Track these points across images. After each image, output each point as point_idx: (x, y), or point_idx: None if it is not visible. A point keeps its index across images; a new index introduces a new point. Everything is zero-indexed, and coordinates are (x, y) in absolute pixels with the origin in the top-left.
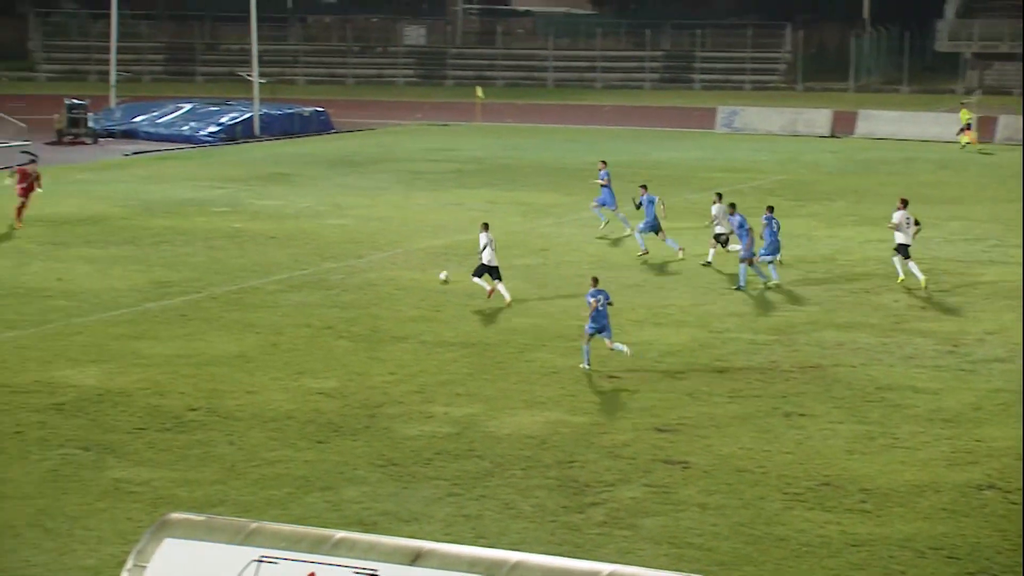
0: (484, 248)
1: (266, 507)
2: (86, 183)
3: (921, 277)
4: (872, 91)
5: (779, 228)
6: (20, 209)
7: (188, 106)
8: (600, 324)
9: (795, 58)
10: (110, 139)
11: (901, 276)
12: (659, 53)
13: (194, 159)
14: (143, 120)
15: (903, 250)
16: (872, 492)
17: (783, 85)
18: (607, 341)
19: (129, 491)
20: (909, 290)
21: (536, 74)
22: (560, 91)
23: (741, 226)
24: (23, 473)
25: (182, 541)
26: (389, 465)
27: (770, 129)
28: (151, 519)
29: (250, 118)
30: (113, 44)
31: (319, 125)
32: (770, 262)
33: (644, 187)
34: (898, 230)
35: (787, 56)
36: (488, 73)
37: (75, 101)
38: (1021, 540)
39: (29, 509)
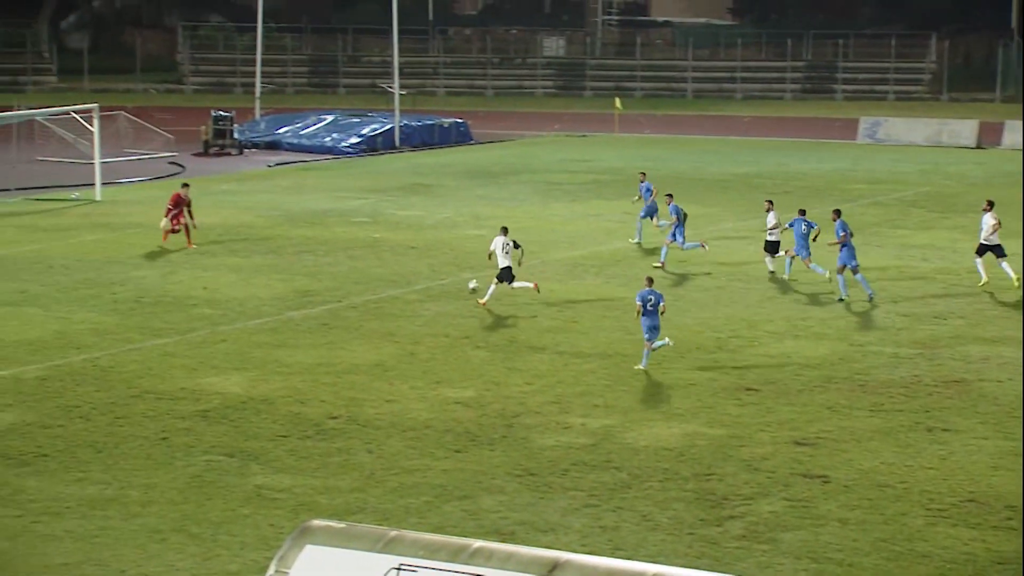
0: (493, 251)
1: (404, 515)
2: (231, 194)
3: (1012, 275)
4: (1020, 102)
5: (809, 231)
6: (180, 231)
7: (330, 118)
8: (653, 323)
9: (940, 68)
10: (254, 150)
11: (985, 278)
12: (800, 63)
13: (335, 170)
14: (286, 131)
15: (997, 250)
16: (1019, 509)
17: (927, 95)
18: (647, 343)
19: (271, 497)
20: None
21: (675, 85)
22: (699, 102)
23: (804, 234)
24: (169, 479)
25: (323, 548)
26: (526, 475)
27: (913, 140)
28: (292, 525)
29: (390, 129)
30: (258, 57)
31: (458, 136)
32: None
33: (670, 196)
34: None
35: (932, 66)
36: (627, 84)
37: (221, 113)
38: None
39: (174, 514)
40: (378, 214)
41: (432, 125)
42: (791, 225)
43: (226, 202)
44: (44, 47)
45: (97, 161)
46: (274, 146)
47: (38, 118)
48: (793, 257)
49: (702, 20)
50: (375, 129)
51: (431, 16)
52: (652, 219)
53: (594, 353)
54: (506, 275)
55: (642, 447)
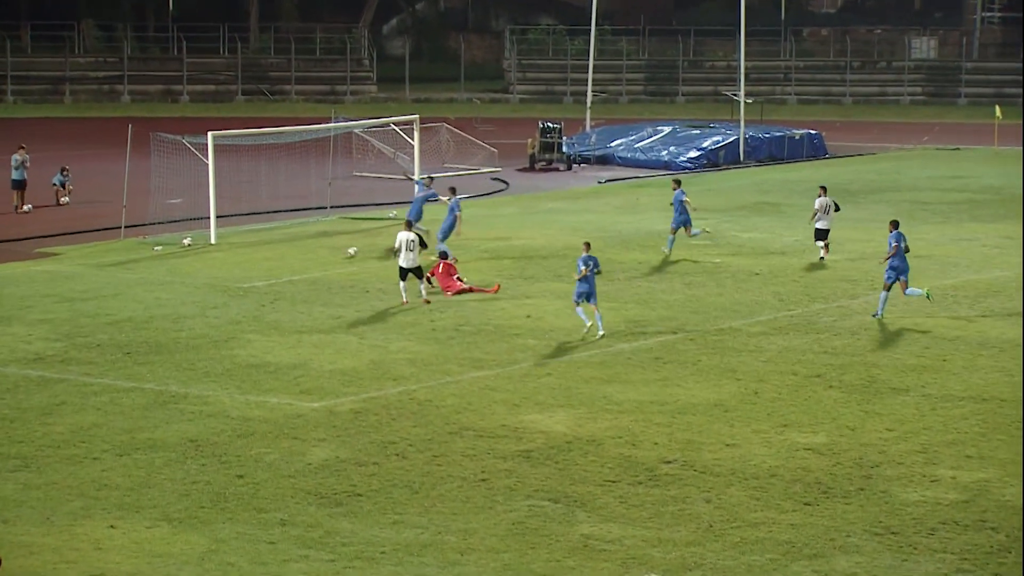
0: (400, 249)
1: (746, 573)
2: (557, 212)
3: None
4: None
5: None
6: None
7: (667, 129)
8: (587, 289)
9: None
10: (584, 165)
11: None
12: None
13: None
14: (619, 145)
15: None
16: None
17: None
18: (593, 306)
19: (599, 548)
20: None
21: None
22: None
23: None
24: (489, 524)
25: None
26: (887, 534)
27: None
28: None
29: (735, 142)
30: (591, 62)
31: (811, 149)
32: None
33: (677, 181)
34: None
35: None
36: (1009, 90)
37: (549, 124)
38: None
39: (495, 563)
40: (719, 236)
41: (781, 137)
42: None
43: (552, 222)
44: (364, 54)
45: (417, 176)
46: (605, 161)
47: (356, 131)
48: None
49: None
50: (717, 142)
51: (783, 15)
52: (686, 229)
53: (966, 396)
54: (412, 273)
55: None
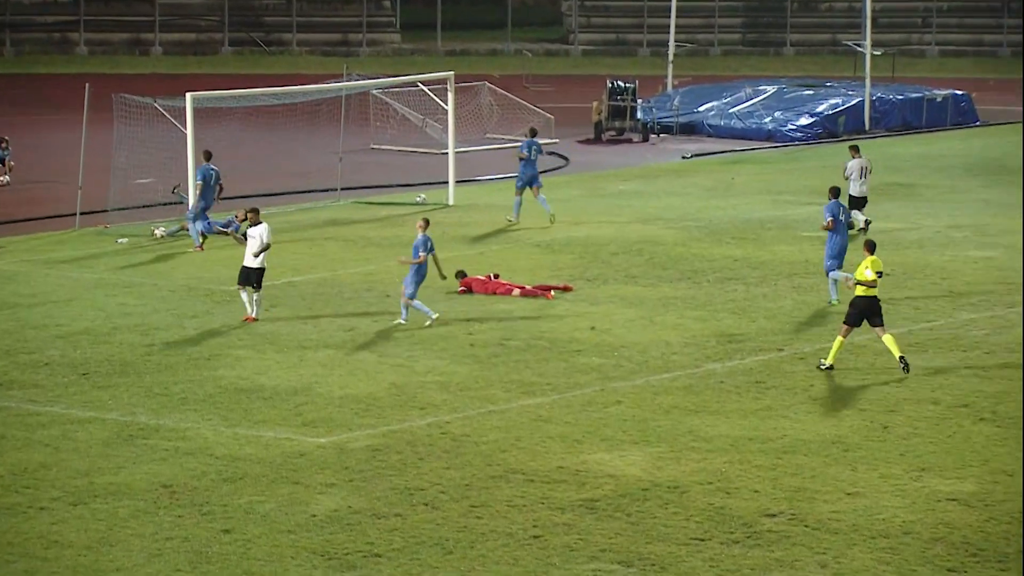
0: (253, 243)
1: None
2: (630, 196)
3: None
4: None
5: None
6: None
7: (771, 89)
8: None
9: None
10: (664, 136)
11: None
12: None
13: (777, 163)
14: (709, 109)
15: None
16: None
17: None
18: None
19: None
20: None
21: None
22: None
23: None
24: None
25: None
26: None
27: None
28: None
29: (858, 106)
30: (673, 5)
31: (957, 115)
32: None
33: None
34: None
35: None
36: None
37: (620, 84)
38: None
39: None
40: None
41: (919, 99)
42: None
43: (624, 208)
44: None
45: (451, 151)
46: (691, 129)
47: (374, 92)
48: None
49: None
50: (835, 106)
51: None
52: (532, 188)
53: None
54: (253, 277)
55: None
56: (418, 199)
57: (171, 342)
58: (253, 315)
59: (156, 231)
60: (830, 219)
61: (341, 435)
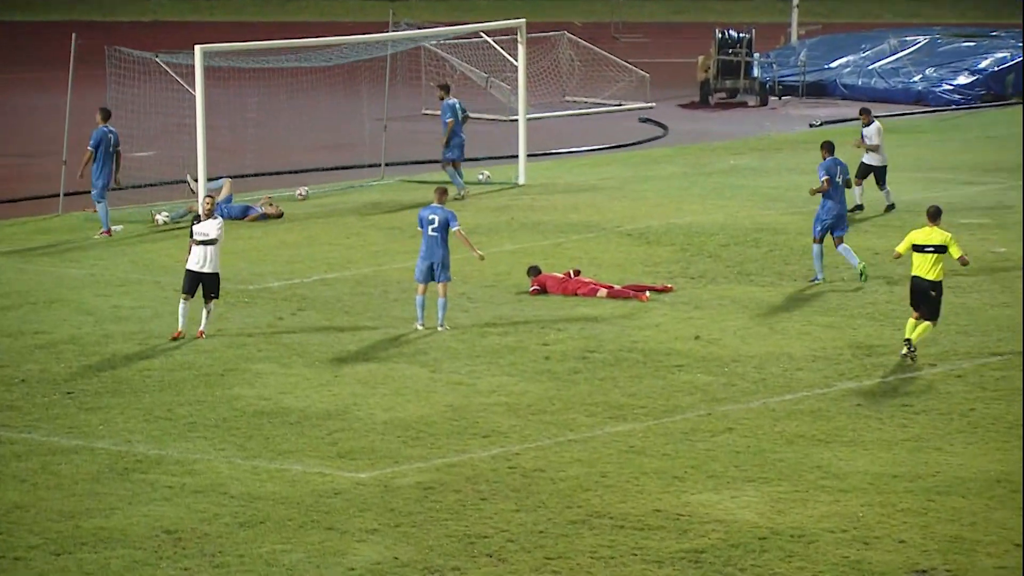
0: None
1: None
2: (744, 173)
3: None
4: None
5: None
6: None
7: (922, 40)
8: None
9: None
10: (787, 98)
11: None
12: None
13: (928, 133)
14: (843, 65)
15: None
16: None
17: None
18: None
19: None
20: None
21: None
22: None
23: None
24: None
25: None
26: None
27: None
28: None
29: None
30: None
31: None
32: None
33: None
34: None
35: None
36: None
37: (732, 34)
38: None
39: None
40: (1002, 209)
41: None
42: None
43: (736, 189)
44: None
45: (522, 117)
46: (821, 90)
47: (427, 44)
48: None
49: None
50: (1002, 61)
51: None
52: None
53: None
54: (207, 284)
55: None
56: (480, 177)
57: (176, 354)
58: (202, 328)
59: (158, 216)
60: (825, 178)
61: (385, 469)
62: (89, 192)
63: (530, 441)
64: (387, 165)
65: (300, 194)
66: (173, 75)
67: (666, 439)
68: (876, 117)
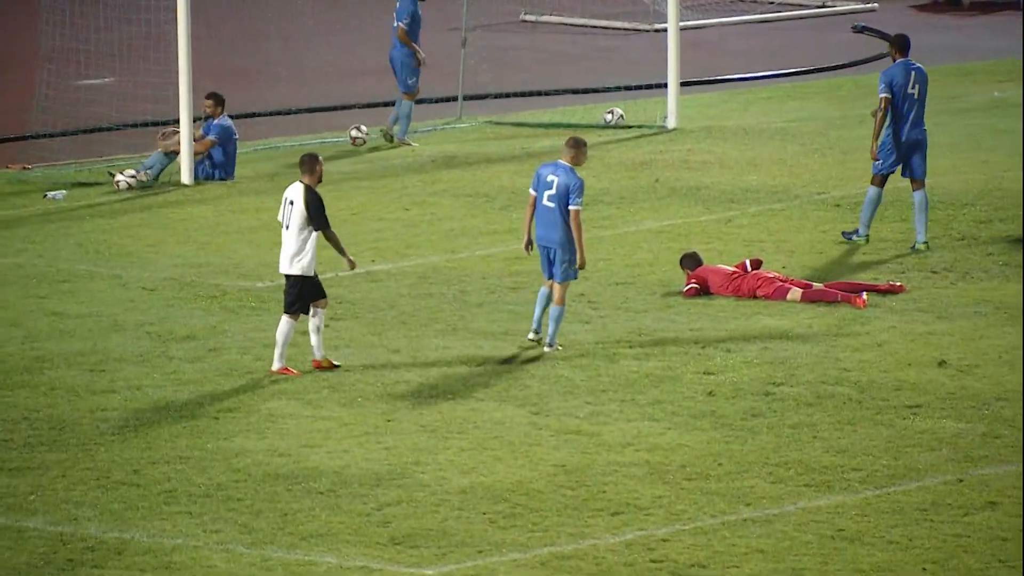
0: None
1: None
2: (1003, 113)
3: None
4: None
5: None
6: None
7: None
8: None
9: None
10: None
11: None
12: None
13: None
14: None
15: None
16: None
17: None
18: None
19: None
20: None
21: None
22: None
23: None
24: None
25: None
26: None
27: None
28: None
29: None
30: None
31: None
32: None
33: None
34: None
35: None
36: None
37: None
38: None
39: None
40: None
41: None
42: None
43: (1001, 134)
44: None
45: (673, 25)
46: None
47: None
48: None
49: None
50: None
51: None
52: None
53: None
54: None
55: None
56: (607, 117)
57: (148, 383)
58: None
59: (118, 177)
60: (885, 95)
61: (464, 563)
62: (10, 139)
63: (684, 521)
64: (465, 99)
65: (356, 137)
66: None
67: (895, 519)
68: None
